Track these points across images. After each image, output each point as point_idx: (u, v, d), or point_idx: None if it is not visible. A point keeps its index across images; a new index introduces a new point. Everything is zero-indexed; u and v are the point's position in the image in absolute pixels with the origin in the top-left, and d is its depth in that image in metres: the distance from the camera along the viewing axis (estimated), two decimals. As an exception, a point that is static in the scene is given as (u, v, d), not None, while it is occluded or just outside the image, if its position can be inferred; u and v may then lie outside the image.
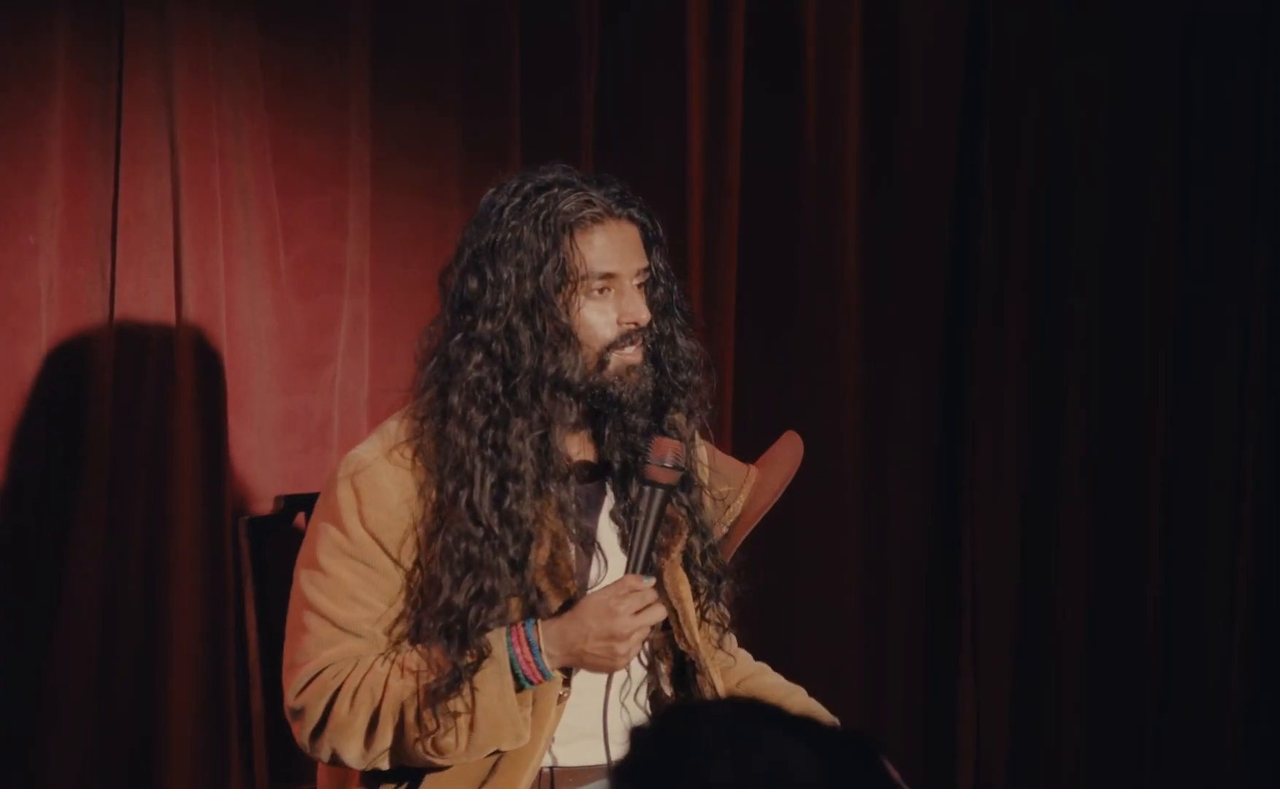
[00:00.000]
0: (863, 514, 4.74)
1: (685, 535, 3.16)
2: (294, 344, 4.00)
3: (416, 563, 3.01)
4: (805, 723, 1.75)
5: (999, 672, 4.85)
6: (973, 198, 4.78)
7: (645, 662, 3.17)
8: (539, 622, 2.99)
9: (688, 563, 3.17)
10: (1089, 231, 4.87)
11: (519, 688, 2.98)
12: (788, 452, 3.59)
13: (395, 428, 3.05)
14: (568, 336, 2.99)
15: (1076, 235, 4.87)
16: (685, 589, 3.16)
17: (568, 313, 2.99)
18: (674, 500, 3.11)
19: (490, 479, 2.97)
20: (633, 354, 3.03)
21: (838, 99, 4.62)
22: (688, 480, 3.15)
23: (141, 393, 3.86)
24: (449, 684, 2.94)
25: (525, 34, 4.21)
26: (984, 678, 4.84)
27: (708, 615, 3.19)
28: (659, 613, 3.00)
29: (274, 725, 3.46)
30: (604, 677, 3.07)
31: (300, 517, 3.56)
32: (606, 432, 3.07)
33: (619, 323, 3.02)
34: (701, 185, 4.45)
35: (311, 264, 4.01)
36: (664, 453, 3.02)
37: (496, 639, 2.97)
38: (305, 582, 3.04)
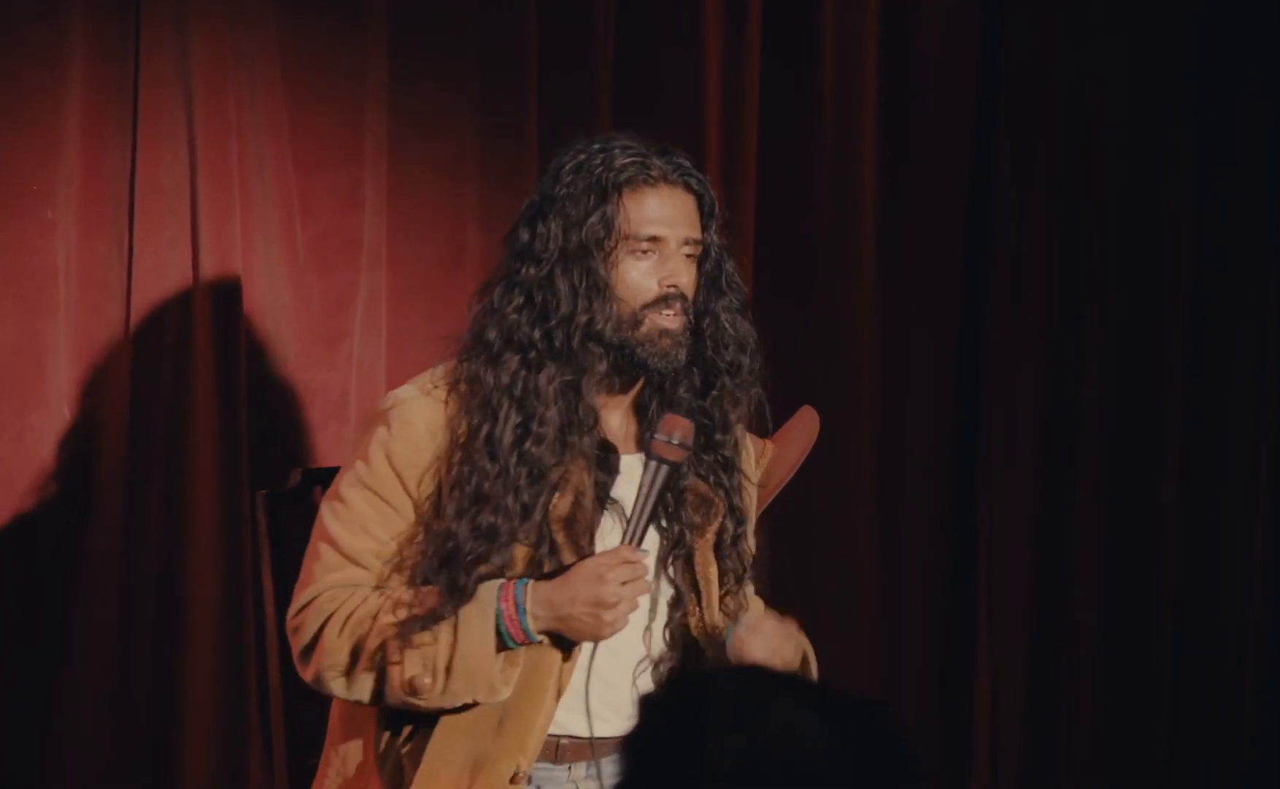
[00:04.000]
0: (878, 490, 4.73)
1: (720, 518, 3.15)
2: (311, 319, 4.00)
3: (431, 496, 3.03)
4: (816, 690, 1.76)
5: (1014, 650, 4.84)
6: (989, 175, 4.77)
7: (667, 639, 3.16)
8: (531, 583, 2.99)
9: (719, 547, 3.17)
10: (1106, 208, 4.86)
11: (502, 646, 2.98)
12: (804, 427, 3.60)
13: (438, 370, 3.10)
14: (603, 290, 3.02)
15: (1093, 212, 4.85)
16: (713, 571, 3.16)
17: (606, 267, 3.02)
18: (705, 480, 3.12)
19: (515, 419, 3.00)
20: (670, 319, 3.05)
21: (854, 77, 4.61)
22: (729, 464, 3.16)
23: (159, 368, 3.87)
24: (432, 616, 2.95)
25: (542, 9, 4.20)
26: (999, 657, 4.83)
27: (726, 604, 3.19)
28: (645, 586, 3.00)
29: (291, 698, 3.47)
30: (629, 652, 3.09)
31: (318, 491, 3.57)
32: (651, 409, 3.10)
33: (660, 285, 3.04)
34: (718, 162, 4.44)
35: (328, 239, 4.01)
36: (672, 430, 3.02)
37: (487, 590, 2.98)
38: (325, 512, 3.09)
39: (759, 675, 1.76)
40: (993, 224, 4.78)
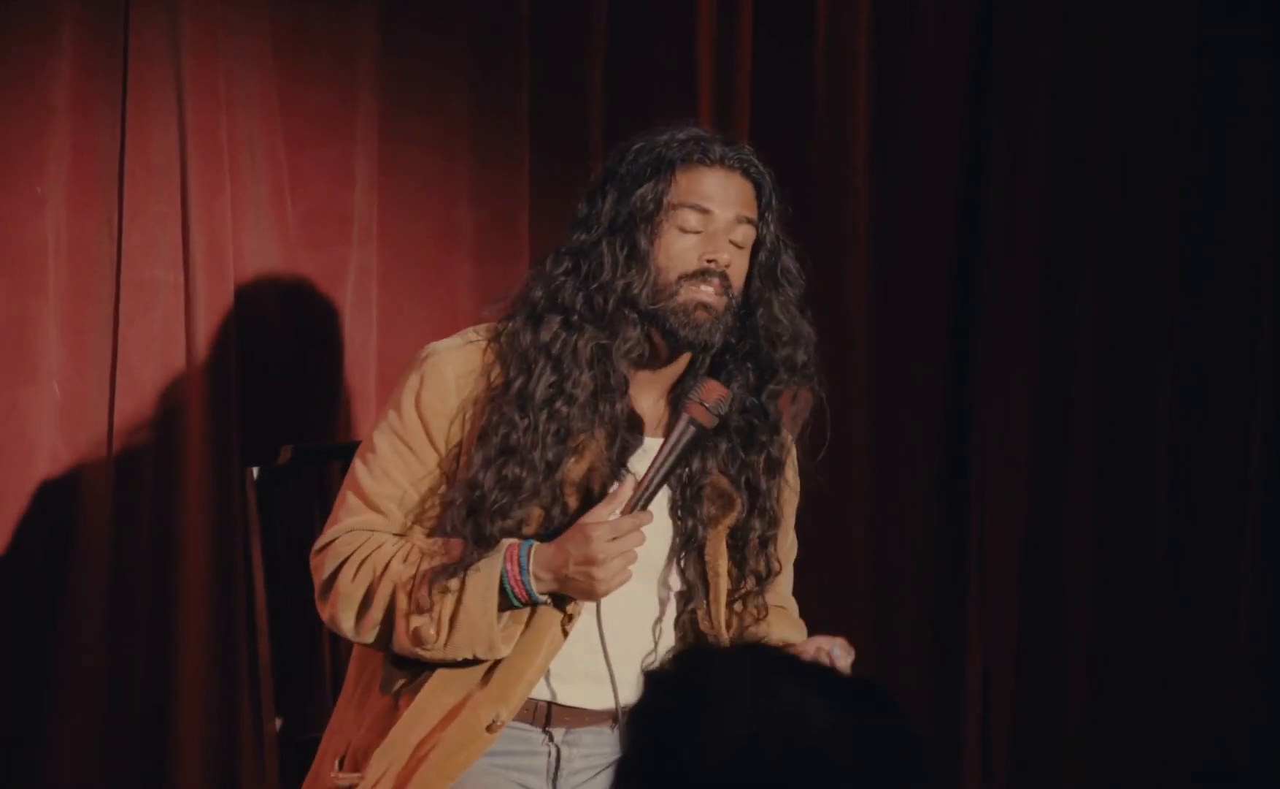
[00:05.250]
0: (870, 471, 4.72)
1: (738, 514, 3.15)
2: (302, 295, 3.99)
3: (457, 443, 3.07)
4: (820, 670, 1.76)
5: (1006, 631, 4.83)
6: (983, 150, 4.76)
7: (677, 632, 3.18)
8: (535, 544, 3.01)
9: (742, 545, 3.18)
10: (1100, 183, 4.84)
11: (507, 604, 3.01)
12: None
13: (482, 325, 3.15)
14: (644, 259, 3.05)
15: (1087, 187, 4.84)
16: (724, 565, 3.17)
17: (650, 238, 3.05)
18: (728, 475, 3.13)
19: (549, 378, 3.04)
20: (708, 294, 3.06)
21: (847, 54, 4.60)
22: (775, 466, 3.18)
23: (148, 343, 3.85)
24: (446, 569, 2.99)
25: (534, -14, 4.20)
26: (991, 637, 4.82)
27: (746, 601, 3.20)
28: (637, 541, 2.99)
29: (282, 675, 3.46)
30: (612, 623, 3.09)
31: (308, 469, 3.57)
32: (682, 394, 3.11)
33: (701, 259, 3.06)
34: (710, 138, 4.42)
35: (319, 216, 4.00)
36: (709, 395, 3.05)
37: (495, 549, 3.01)
38: (356, 459, 3.14)
39: (765, 654, 1.76)
40: (987, 202, 4.76)
